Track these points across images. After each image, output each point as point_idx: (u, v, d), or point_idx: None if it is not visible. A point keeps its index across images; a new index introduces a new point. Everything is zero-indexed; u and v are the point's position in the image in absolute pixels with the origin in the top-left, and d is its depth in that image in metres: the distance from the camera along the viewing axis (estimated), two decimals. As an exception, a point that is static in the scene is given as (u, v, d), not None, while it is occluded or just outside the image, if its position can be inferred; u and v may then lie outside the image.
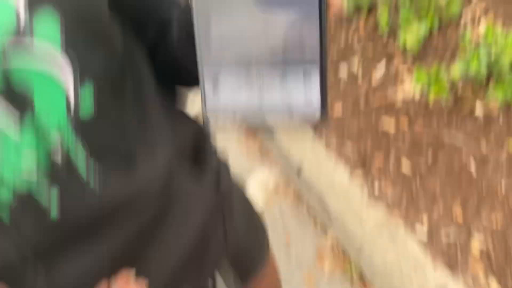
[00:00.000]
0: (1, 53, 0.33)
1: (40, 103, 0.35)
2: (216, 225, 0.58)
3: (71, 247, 0.39)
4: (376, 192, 1.63)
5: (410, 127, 1.79)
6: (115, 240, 0.42)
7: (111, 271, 0.43)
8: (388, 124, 1.83)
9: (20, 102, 0.34)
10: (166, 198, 0.47)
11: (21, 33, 0.33)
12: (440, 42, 1.93)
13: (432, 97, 1.72)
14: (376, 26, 2.21)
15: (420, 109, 1.82)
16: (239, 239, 0.67)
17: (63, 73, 0.35)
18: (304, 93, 0.27)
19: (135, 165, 0.43)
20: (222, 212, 0.60)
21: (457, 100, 1.75)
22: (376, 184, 1.65)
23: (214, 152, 0.61)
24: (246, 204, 0.73)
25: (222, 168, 0.62)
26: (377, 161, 1.73)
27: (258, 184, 2.11)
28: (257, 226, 0.76)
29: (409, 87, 1.87)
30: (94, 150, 0.38)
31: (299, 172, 1.90)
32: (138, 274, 0.45)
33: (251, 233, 0.73)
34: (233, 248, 0.65)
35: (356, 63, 2.17)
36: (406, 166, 1.66)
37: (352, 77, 2.13)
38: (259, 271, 0.74)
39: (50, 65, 0.34)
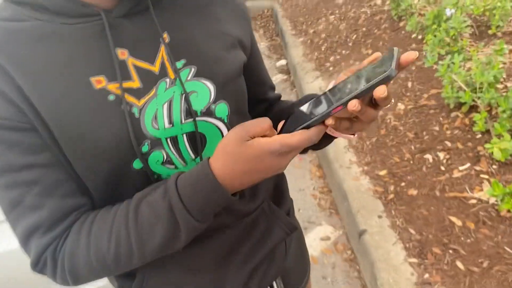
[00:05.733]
0: (200, 111, 0.66)
1: (210, 137, 0.69)
2: (282, 242, 0.87)
3: None
4: (426, 281, 1.74)
5: (476, 228, 1.87)
6: None
7: None
8: (456, 220, 1.93)
9: (200, 139, 0.68)
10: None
11: (211, 105, 0.67)
12: (529, 160, 2.00)
13: (504, 208, 1.80)
14: (472, 125, 2.31)
15: (490, 215, 1.90)
16: (292, 260, 0.95)
17: (222, 128, 0.70)
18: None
19: None
20: (286, 237, 0.87)
21: (530, 218, 1.81)
22: (427, 274, 1.77)
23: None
24: (301, 239, 1.01)
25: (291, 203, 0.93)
26: (435, 252, 1.84)
27: (321, 235, 2.29)
28: (305, 256, 1.03)
29: (486, 192, 1.96)
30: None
31: (360, 235, 2.06)
32: None
33: (300, 259, 1.00)
34: (288, 263, 0.92)
35: (443, 154, 2.29)
36: (460, 265, 1.76)
37: (436, 166, 2.25)
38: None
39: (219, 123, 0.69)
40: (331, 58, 3.90)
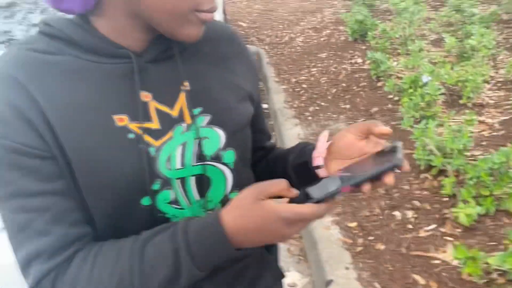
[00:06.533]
0: (209, 156, 0.70)
1: (215, 181, 0.73)
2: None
3: None
4: (387, 335, 1.78)
5: (439, 289, 1.94)
6: None
7: None
8: (420, 278, 2.00)
9: (206, 182, 0.72)
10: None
11: (220, 151, 0.71)
12: (491, 227, 2.11)
13: (465, 271, 1.89)
14: (440, 187, 2.43)
15: (452, 276, 1.98)
16: None
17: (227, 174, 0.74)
18: None
19: None
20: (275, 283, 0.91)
21: (490, 283, 1.90)
22: (389, 328, 1.81)
23: None
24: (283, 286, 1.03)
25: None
26: (398, 308, 1.89)
27: (289, 281, 2.31)
28: None
29: (450, 254, 2.04)
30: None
31: (327, 285, 2.09)
32: None
33: None
34: None
35: (412, 213, 2.39)
36: (421, 323, 1.81)
37: (404, 223, 2.34)
38: None
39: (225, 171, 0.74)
40: (311, 108, 4.04)
